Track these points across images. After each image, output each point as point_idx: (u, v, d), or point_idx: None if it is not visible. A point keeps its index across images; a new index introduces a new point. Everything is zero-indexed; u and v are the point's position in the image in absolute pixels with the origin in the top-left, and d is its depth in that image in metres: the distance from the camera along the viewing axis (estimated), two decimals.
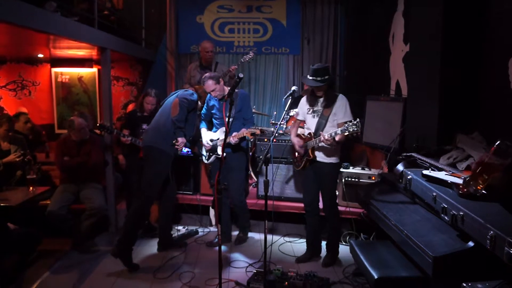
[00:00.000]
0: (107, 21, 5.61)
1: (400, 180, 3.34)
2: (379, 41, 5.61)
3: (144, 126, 4.76)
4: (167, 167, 4.15)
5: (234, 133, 4.20)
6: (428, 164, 3.27)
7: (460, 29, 3.47)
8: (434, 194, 2.72)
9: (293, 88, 3.87)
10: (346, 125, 3.40)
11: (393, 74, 5.20)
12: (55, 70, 7.13)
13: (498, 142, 2.08)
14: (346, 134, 3.41)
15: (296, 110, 5.27)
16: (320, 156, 3.88)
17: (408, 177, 3.16)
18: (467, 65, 3.50)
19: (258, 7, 7.03)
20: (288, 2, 6.99)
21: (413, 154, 3.54)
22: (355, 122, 3.35)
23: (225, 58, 7.07)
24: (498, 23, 3.25)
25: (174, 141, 4.05)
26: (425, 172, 2.99)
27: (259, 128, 4.51)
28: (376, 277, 2.86)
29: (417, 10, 4.04)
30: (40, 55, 6.77)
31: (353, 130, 3.36)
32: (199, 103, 4.55)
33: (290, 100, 3.83)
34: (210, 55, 5.68)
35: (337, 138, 3.51)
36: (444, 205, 2.57)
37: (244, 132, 4.17)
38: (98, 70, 7.03)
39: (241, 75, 3.10)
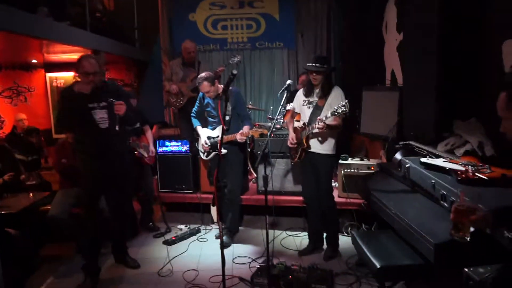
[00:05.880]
0: (100, 23, 5.60)
1: (399, 169, 3.34)
2: (372, 31, 5.61)
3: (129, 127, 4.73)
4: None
5: (241, 131, 4.20)
6: (426, 152, 3.28)
7: (455, 14, 3.45)
8: (433, 181, 2.72)
9: (288, 82, 3.88)
10: (335, 107, 3.46)
11: (388, 63, 5.19)
12: (49, 75, 7.13)
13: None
14: (336, 115, 3.47)
15: (292, 104, 5.29)
16: (315, 147, 3.88)
17: (407, 166, 3.15)
18: (463, 51, 3.49)
19: (250, 2, 7.02)
20: None
21: (410, 142, 3.54)
22: (343, 103, 3.41)
23: (220, 55, 7.06)
24: (495, 4, 3.23)
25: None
26: (423, 159, 2.99)
27: (261, 126, 4.51)
28: (378, 266, 2.85)
29: None
30: (34, 61, 6.76)
31: (342, 111, 3.42)
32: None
33: (286, 94, 3.84)
34: (192, 56, 5.66)
35: (328, 122, 3.56)
36: (443, 191, 2.58)
37: (251, 132, 4.17)
38: None
39: (235, 72, 3.09)
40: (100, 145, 3.56)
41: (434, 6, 3.52)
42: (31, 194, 4.40)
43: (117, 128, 3.50)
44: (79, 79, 3.52)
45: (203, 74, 4.27)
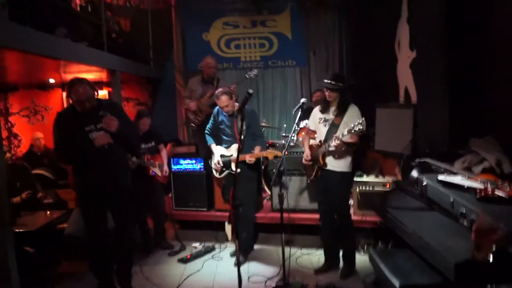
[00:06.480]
0: (116, 43, 5.72)
1: (416, 187, 3.32)
2: (384, 48, 5.63)
3: (143, 146, 4.72)
4: None
5: (250, 154, 4.21)
6: (442, 169, 3.26)
7: (465, 32, 3.48)
8: (452, 199, 2.71)
9: (302, 100, 3.91)
10: (352, 125, 3.43)
11: (401, 81, 5.20)
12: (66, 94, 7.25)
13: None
14: (353, 133, 3.44)
15: (306, 121, 5.31)
16: (331, 164, 3.86)
17: (424, 183, 3.14)
18: (475, 68, 3.50)
19: (263, 21, 7.11)
20: (292, 15, 7.05)
21: (426, 159, 3.53)
22: (360, 121, 3.38)
23: (233, 74, 7.12)
24: (503, 21, 3.24)
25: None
26: (441, 177, 2.98)
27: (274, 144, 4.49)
28: (397, 286, 2.82)
29: (420, 16, 4.06)
30: (52, 80, 6.89)
31: (359, 130, 3.39)
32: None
33: (299, 112, 3.86)
34: (213, 71, 5.69)
35: (344, 139, 3.54)
36: (463, 210, 2.56)
37: (265, 153, 4.19)
38: (109, 92, 7.12)
39: (250, 91, 3.12)
40: (98, 166, 3.46)
41: (445, 23, 3.55)
42: (48, 212, 4.44)
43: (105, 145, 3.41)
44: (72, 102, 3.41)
45: (221, 89, 4.33)
